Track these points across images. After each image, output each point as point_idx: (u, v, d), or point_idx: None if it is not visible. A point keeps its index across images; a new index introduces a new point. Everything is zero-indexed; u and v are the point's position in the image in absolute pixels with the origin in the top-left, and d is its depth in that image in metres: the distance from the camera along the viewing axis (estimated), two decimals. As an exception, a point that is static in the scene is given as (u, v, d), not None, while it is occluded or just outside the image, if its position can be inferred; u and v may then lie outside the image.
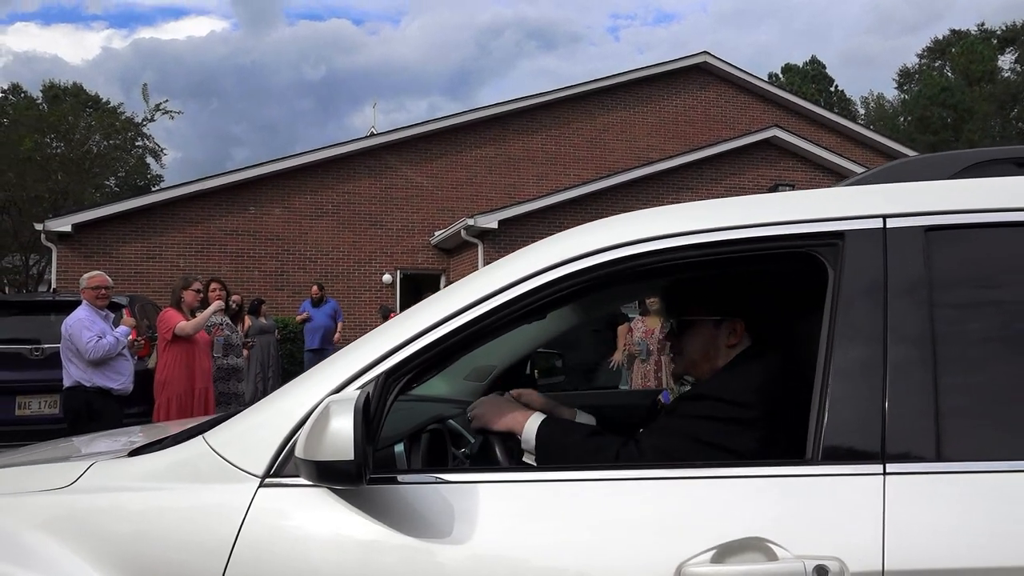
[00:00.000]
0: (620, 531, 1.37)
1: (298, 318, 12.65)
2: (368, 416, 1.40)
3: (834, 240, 1.51)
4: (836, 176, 15.41)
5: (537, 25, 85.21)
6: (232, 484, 1.51)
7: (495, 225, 14.10)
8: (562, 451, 1.78)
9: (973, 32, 44.71)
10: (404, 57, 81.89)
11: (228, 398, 6.85)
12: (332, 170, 15.97)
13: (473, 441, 2.17)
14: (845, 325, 1.45)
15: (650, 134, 18.11)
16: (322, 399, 1.48)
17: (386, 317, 11.20)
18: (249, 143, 67.61)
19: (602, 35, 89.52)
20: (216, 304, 6.58)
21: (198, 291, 6.42)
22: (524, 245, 1.73)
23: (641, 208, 1.68)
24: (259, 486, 1.50)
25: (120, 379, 5.92)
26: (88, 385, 5.79)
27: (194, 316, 6.30)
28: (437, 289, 5.93)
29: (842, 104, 44.67)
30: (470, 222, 14.16)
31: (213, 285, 6.97)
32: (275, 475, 1.51)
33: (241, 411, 1.69)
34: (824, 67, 47.44)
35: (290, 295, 14.91)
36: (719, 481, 1.42)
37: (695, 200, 1.75)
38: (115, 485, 1.59)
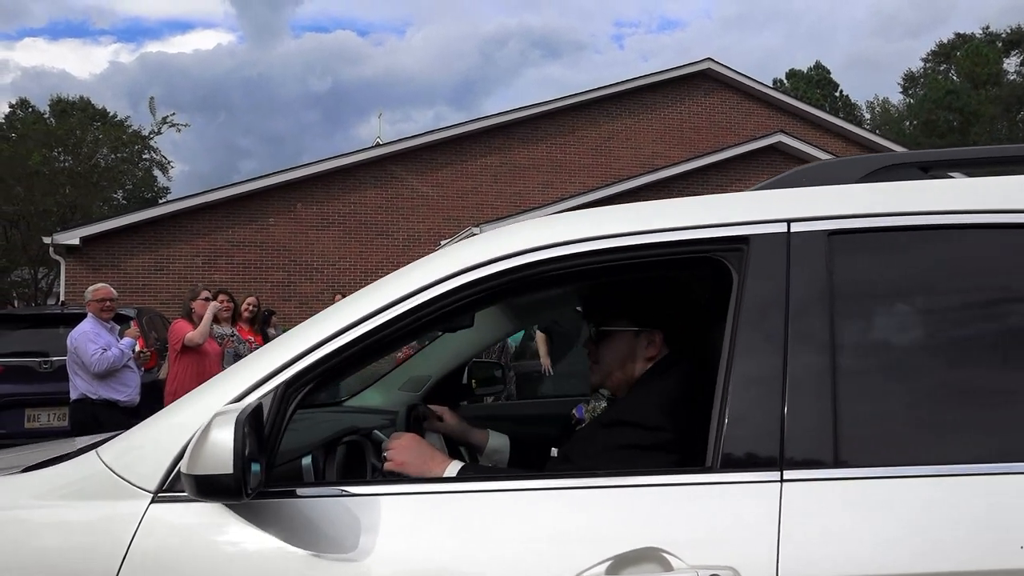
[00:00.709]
0: (517, 544, 1.35)
1: None
2: (259, 428, 1.38)
3: (739, 245, 1.49)
4: (842, 181, 15.35)
5: (541, 34, 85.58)
6: (123, 500, 1.46)
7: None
8: None
9: (978, 35, 44.65)
10: (409, 68, 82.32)
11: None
12: (338, 181, 16.02)
13: None
14: (746, 331, 1.43)
15: (655, 141, 18.11)
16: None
17: None
18: (256, 155, 67.98)
19: (607, 43, 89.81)
20: (213, 305, 6.56)
21: (207, 299, 6.44)
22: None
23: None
24: (151, 502, 1.45)
25: (126, 391, 5.93)
26: (94, 397, 5.80)
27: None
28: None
29: (847, 109, 44.62)
30: (475, 231, 14.17)
31: (221, 297, 6.98)
32: (168, 490, 1.45)
33: (136, 424, 1.65)
34: (829, 72, 47.42)
35: (297, 305, 14.94)
36: (618, 491, 1.39)
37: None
38: (2, 503, 1.54)
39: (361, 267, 15.76)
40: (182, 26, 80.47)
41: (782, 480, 1.33)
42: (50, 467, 1.62)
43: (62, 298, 14.46)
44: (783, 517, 1.30)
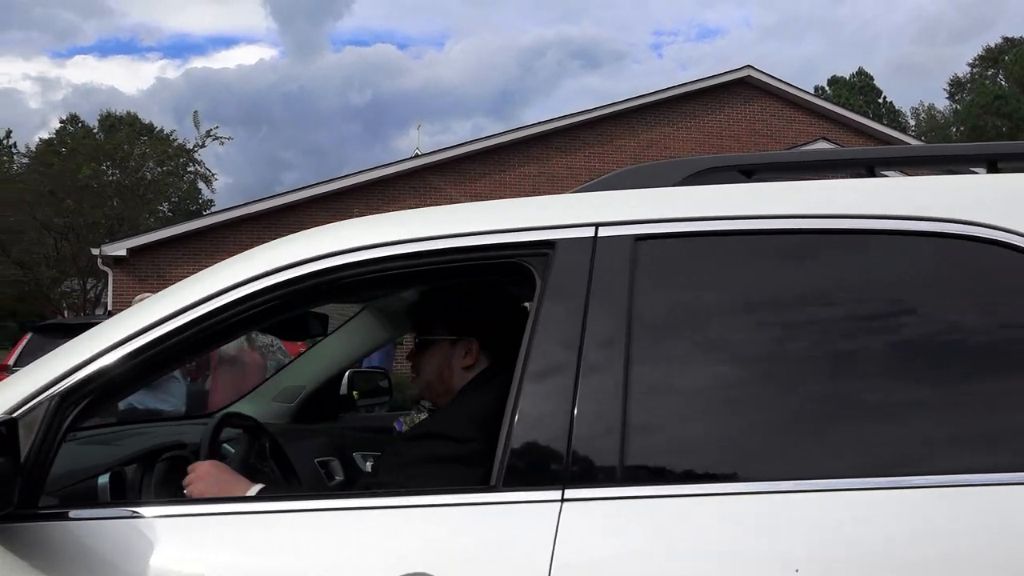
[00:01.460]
0: (294, 566, 1.28)
1: None
2: (13, 446, 1.29)
3: (545, 250, 1.41)
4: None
5: (580, 44, 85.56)
6: None
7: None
8: None
9: (1027, 39, 43.58)
10: (448, 80, 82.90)
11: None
12: (377, 191, 16.17)
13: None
14: (541, 340, 1.35)
15: (694, 149, 17.96)
16: None
17: None
18: (298, 167, 68.95)
19: (645, 52, 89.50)
20: None
21: None
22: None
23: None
24: None
25: (171, 401, 6.02)
26: (140, 407, 5.90)
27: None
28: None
29: (891, 116, 43.83)
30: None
31: None
32: None
33: None
34: (872, 78, 46.68)
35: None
36: (398, 511, 1.32)
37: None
38: None
39: (400, 277, 15.86)
40: (226, 42, 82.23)
41: (563, 500, 1.24)
42: None
43: (109, 307, 14.80)
44: (559, 540, 1.21)
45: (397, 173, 16.41)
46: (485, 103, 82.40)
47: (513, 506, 1.27)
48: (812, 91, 20.44)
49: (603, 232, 1.41)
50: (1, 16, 64.90)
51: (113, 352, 1.41)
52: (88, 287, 24.01)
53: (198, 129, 25.53)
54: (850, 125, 18.68)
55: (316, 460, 2.37)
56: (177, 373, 6.10)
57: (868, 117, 22.75)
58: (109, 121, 34.68)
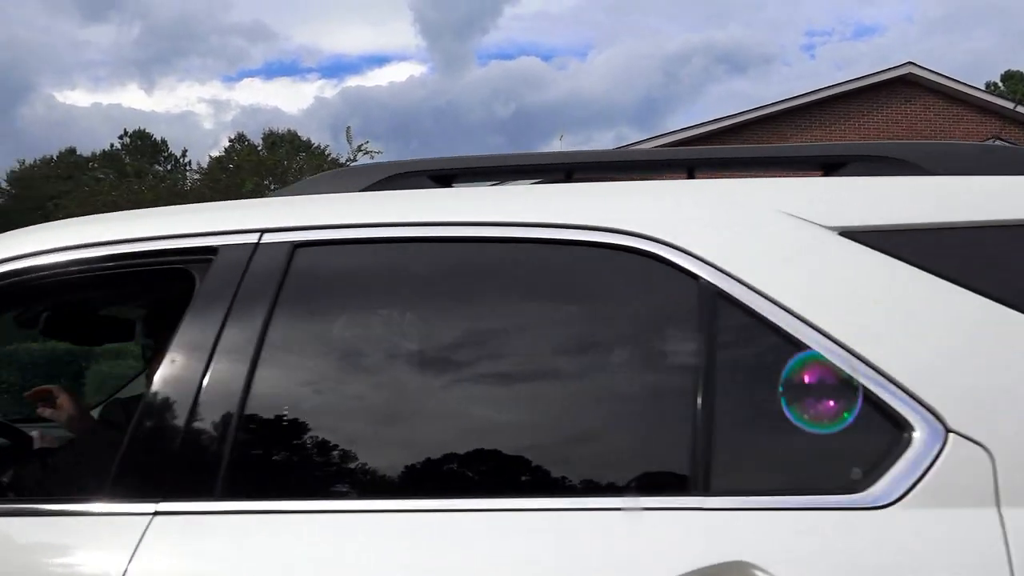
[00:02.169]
0: None
1: None
2: None
3: (208, 256, 1.38)
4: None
5: (726, 49, 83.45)
6: None
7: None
8: None
9: None
10: (591, 89, 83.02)
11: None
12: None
13: None
14: (176, 348, 1.31)
15: (848, 153, 17.06)
16: None
17: None
18: (442, 179, 70.79)
19: (796, 54, 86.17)
20: None
21: None
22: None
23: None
24: None
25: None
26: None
27: None
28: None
29: (1077, 111, 39.92)
30: (654, 249, 13.94)
31: None
32: None
33: None
34: (1053, 72, 42.71)
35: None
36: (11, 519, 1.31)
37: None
38: None
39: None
40: (379, 60, 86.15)
41: (155, 514, 1.19)
42: None
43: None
44: (136, 556, 1.15)
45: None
46: (628, 111, 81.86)
47: (108, 518, 1.25)
48: (983, 87, 18.92)
49: (266, 239, 1.38)
50: (184, 45, 71.03)
51: None
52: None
53: (350, 144, 26.77)
54: (1027, 122, 17.15)
55: None
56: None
57: (1049, 113, 20.77)
58: (271, 139, 37.05)
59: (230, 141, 36.46)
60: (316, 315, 1.37)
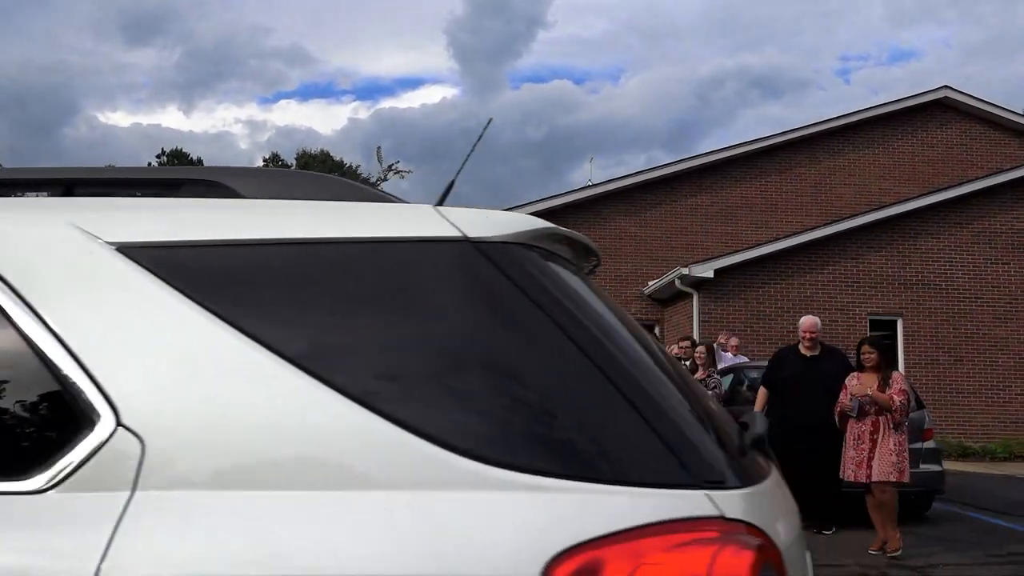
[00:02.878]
0: None
1: None
2: None
3: None
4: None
5: (760, 73, 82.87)
6: None
7: (711, 274, 13.70)
8: None
9: None
10: (623, 113, 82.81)
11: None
12: (549, 221, 16.40)
13: None
14: None
15: (882, 177, 16.88)
16: None
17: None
18: (474, 200, 71.25)
19: (831, 79, 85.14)
20: None
21: None
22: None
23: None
24: None
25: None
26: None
27: None
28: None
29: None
30: (684, 271, 13.88)
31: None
32: None
33: None
34: (1094, 95, 41.91)
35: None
36: None
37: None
38: None
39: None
40: (413, 83, 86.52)
41: None
42: None
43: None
44: None
45: (567, 203, 16.57)
46: (661, 135, 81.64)
47: None
48: (1022, 111, 18.65)
49: None
50: (224, 69, 72.33)
51: None
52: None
53: (381, 164, 27.17)
54: (1067, 147, 16.86)
55: None
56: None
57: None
58: (304, 159, 37.57)
59: (264, 161, 37.03)
60: None
